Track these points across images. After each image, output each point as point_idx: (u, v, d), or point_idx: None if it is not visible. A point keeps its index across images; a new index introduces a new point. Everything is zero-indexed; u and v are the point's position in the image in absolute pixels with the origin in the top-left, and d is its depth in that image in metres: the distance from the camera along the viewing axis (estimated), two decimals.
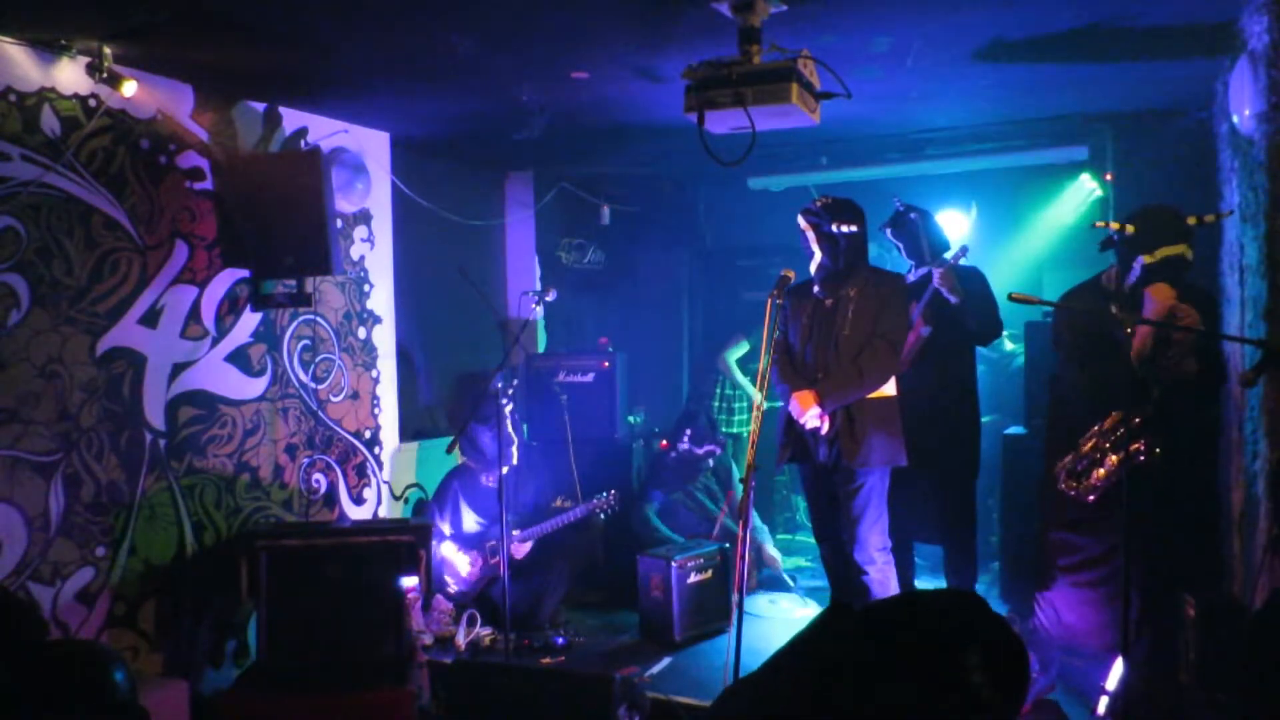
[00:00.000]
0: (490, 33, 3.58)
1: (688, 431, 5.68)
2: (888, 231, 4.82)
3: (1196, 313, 3.55)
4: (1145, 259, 3.67)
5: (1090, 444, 3.80)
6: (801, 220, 4.10)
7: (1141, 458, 3.58)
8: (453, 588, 5.00)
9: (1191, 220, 3.67)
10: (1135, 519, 3.31)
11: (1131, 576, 3.33)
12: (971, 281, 4.58)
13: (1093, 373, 3.89)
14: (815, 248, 4.07)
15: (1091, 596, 4.00)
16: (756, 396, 3.54)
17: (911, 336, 4.52)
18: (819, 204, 4.09)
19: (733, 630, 3.27)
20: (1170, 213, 3.73)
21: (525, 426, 6.17)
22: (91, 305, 3.83)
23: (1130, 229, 3.73)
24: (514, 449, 4.58)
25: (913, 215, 4.72)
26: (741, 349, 6.57)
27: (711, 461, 5.74)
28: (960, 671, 1.48)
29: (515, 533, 5.00)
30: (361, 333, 5.14)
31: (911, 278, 4.74)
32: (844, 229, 4.03)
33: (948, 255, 4.66)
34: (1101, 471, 3.72)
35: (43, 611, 3.61)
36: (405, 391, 5.51)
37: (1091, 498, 3.76)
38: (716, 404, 6.62)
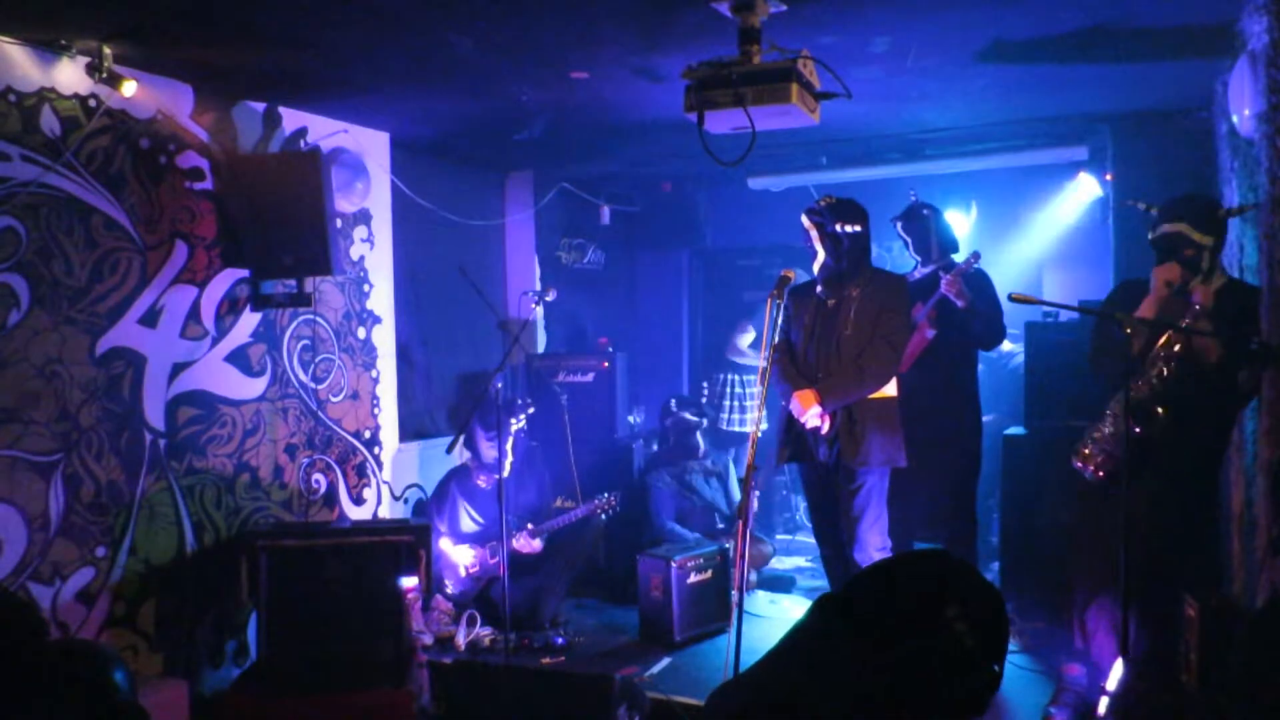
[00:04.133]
0: (490, 33, 3.58)
1: (673, 400, 5.78)
2: (899, 225, 4.83)
3: (1211, 296, 3.46)
4: (1150, 236, 3.66)
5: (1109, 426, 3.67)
6: (805, 220, 4.09)
7: (1137, 430, 3.51)
8: (452, 588, 4.99)
9: (1222, 213, 3.59)
10: (1132, 518, 3.30)
11: (1131, 576, 3.33)
12: (978, 287, 4.58)
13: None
14: (818, 247, 4.07)
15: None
16: (758, 390, 3.54)
17: (916, 338, 4.51)
18: (823, 204, 4.08)
19: (733, 630, 3.26)
20: (1194, 201, 3.64)
21: (525, 428, 6.17)
22: (91, 305, 3.83)
23: (1153, 210, 3.70)
24: (506, 462, 4.58)
25: (925, 211, 4.75)
26: (749, 335, 6.53)
27: (701, 441, 5.73)
28: (943, 624, 1.57)
29: (529, 526, 5.00)
30: (361, 333, 5.14)
31: (916, 275, 4.74)
32: (847, 229, 4.03)
33: (958, 259, 4.66)
34: (1098, 435, 3.64)
35: (42, 611, 3.61)
36: (405, 392, 5.51)
37: (1101, 474, 3.66)
38: (728, 403, 6.57)
